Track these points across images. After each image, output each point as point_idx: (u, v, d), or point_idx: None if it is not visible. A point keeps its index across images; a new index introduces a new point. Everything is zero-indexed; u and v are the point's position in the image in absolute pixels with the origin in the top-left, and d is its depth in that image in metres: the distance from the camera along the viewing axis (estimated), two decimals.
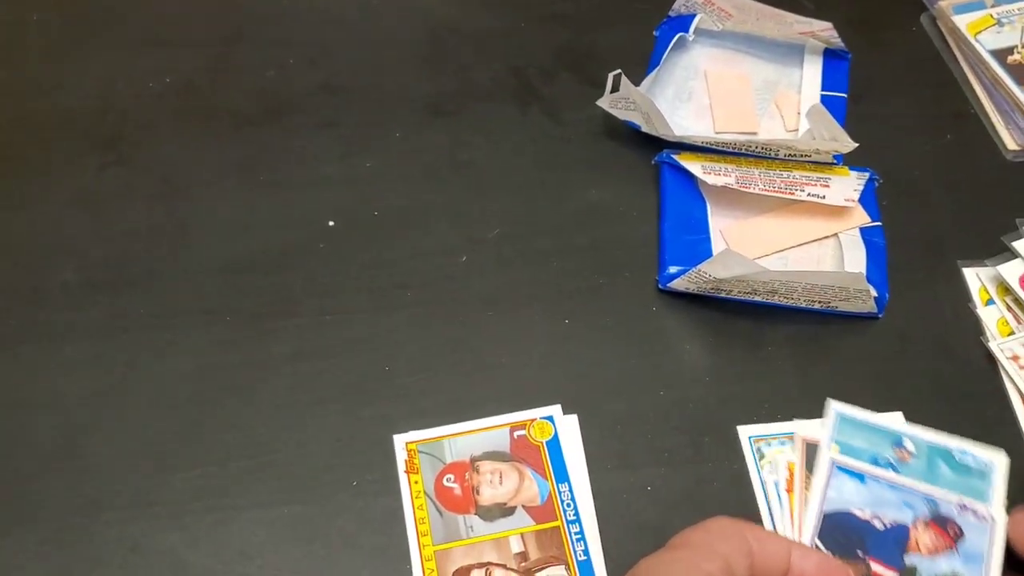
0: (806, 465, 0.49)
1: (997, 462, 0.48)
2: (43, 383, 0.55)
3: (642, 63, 0.68)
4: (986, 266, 0.58)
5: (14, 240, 0.61)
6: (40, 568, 0.49)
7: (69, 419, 0.54)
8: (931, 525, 0.47)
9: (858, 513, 0.47)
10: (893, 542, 0.46)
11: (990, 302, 0.57)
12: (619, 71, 0.61)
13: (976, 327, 0.56)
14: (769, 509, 0.49)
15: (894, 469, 0.48)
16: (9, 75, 0.69)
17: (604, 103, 0.63)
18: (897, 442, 0.49)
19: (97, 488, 0.51)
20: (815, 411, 0.52)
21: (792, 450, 0.51)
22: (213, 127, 0.67)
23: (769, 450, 0.51)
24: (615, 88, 0.62)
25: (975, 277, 0.58)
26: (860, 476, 0.48)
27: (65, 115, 0.67)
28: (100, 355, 0.56)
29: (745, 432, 0.52)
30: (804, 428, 0.51)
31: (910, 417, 0.52)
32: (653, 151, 0.63)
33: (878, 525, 0.47)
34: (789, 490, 0.49)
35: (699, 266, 0.54)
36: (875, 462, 0.49)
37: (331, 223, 0.61)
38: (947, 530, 0.47)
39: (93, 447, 0.52)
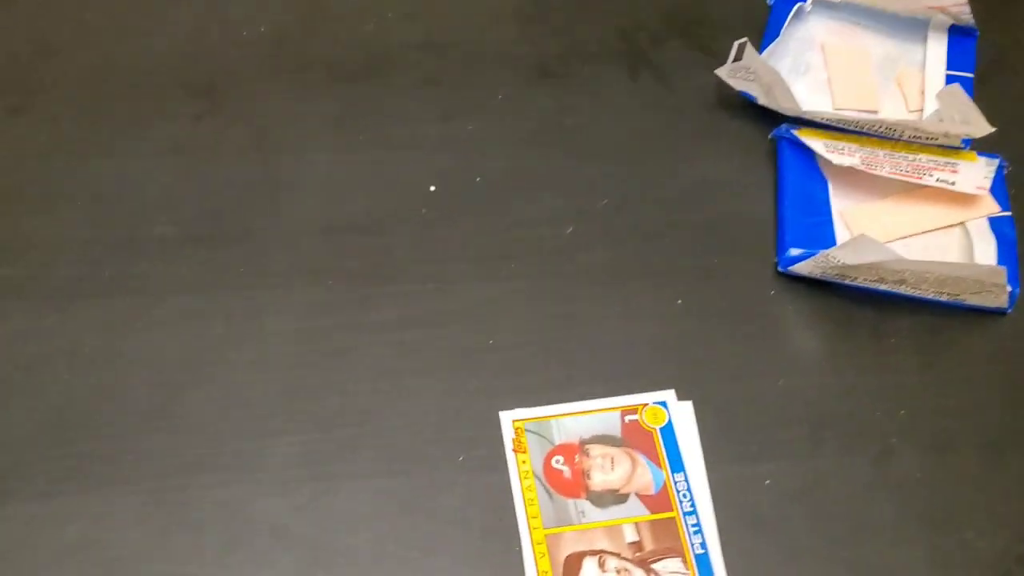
0: None
1: None
2: (139, 337, 0.53)
3: (753, 32, 0.65)
4: None
5: (107, 188, 0.59)
6: (138, 530, 0.48)
7: (166, 376, 0.52)
8: None
9: None
10: None
11: None
12: (745, 40, 0.59)
13: None
14: None
15: None
16: (100, 19, 0.67)
17: (723, 72, 0.60)
18: None
19: (196, 449, 0.50)
20: (941, 409, 0.49)
21: None
22: (308, 80, 0.64)
23: None
24: (738, 57, 0.59)
25: None
26: None
27: (157, 61, 0.65)
28: (197, 312, 0.54)
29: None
30: None
31: None
32: (768, 125, 0.61)
33: None
34: None
35: (828, 251, 0.51)
36: None
37: (432, 188, 0.59)
38: None
39: (191, 407, 0.51)
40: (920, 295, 0.54)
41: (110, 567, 0.47)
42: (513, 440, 0.49)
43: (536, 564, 0.46)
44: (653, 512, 0.47)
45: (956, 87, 0.56)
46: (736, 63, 0.59)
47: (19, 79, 0.64)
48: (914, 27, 0.65)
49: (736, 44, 0.59)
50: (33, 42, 0.66)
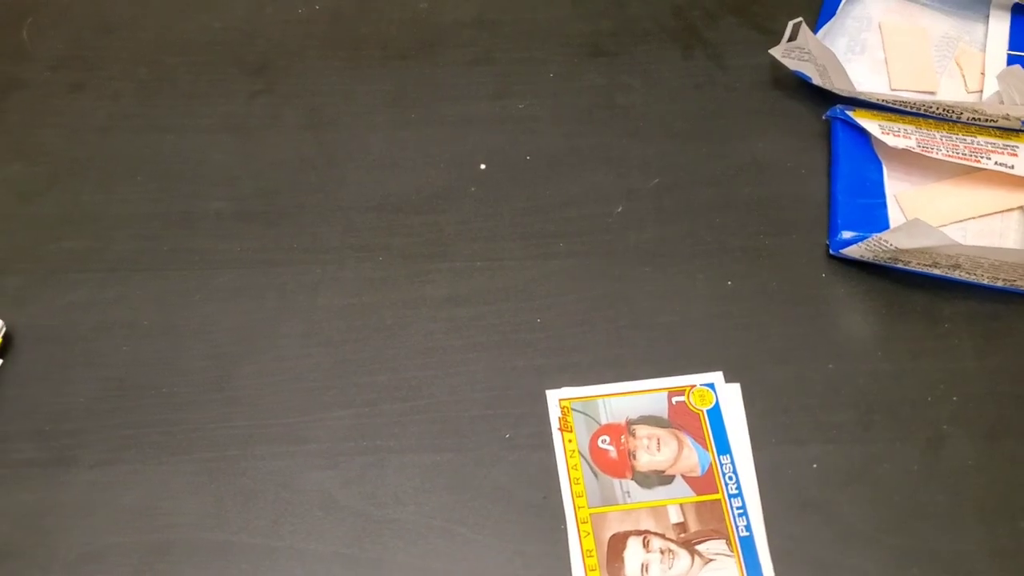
0: None
1: None
2: (194, 310, 0.55)
3: (808, 10, 0.64)
4: None
5: (163, 163, 0.60)
6: (193, 499, 0.49)
7: (220, 349, 0.53)
8: None
9: None
10: None
11: None
12: (800, 19, 0.58)
13: None
14: None
15: None
16: None
17: (777, 52, 0.60)
18: None
19: (249, 421, 0.51)
20: (995, 395, 0.49)
21: None
22: (362, 58, 0.65)
23: None
24: (792, 37, 0.58)
25: None
26: None
27: (213, 38, 0.66)
28: (251, 286, 0.55)
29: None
30: None
31: None
32: (823, 105, 0.60)
33: None
34: None
35: (880, 234, 0.51)
36: None
37: (483, 166, 0.59)
38: None
39: (245, 379, 0.52)
40: (975, 280, 0.53)
41: (166, 533, 0.48)
42: (560, 419, 0.50)
43: (580, 543, 0.46)
44: (699, 494, 0.47)
45: (1017, 68, 0.55)
46: (791, 43, 0.59)
47: (81, 56, 0.65)
48: (975, 5, 0.64)
49: (791, 24, 0.58)
50: (94, 20, 0.67)
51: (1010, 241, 0.54)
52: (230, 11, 0.68)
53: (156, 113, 0.62)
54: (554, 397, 0.51)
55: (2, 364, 0.53)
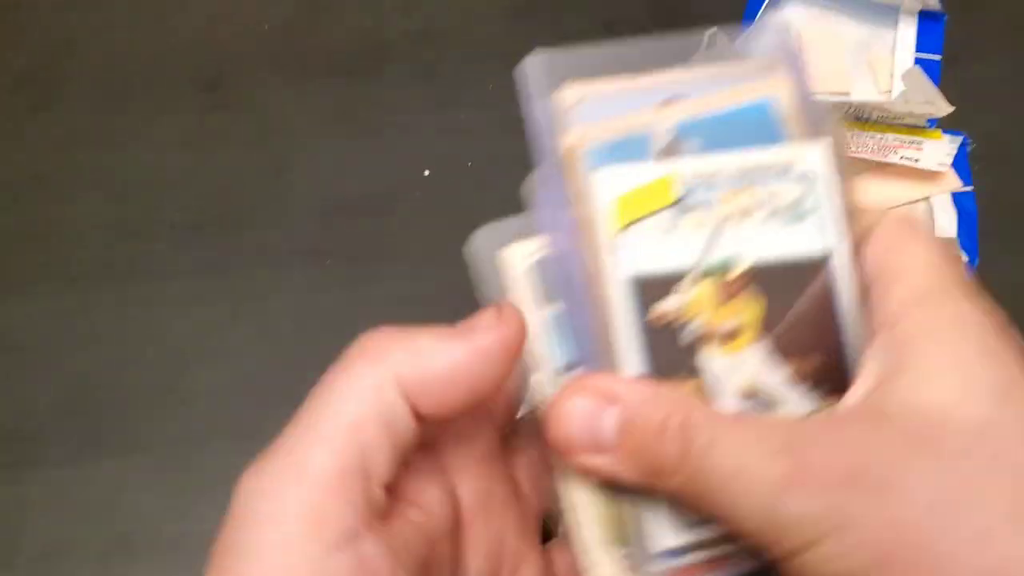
0: None
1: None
2: (150, 319, 0.58)
3: (738, 21, 0.68)
4: None
5: (121, 177, 0.63)
6: (155, 491, 0.52)
7: (176, 353, 0.56)
8: None
9: None
10: None
11: None
12: (715, 29, 0.62)
13: None
14: None
15: None
16: (111, 10, 0.71)
17: (696, 61, 0.63)
18: None
19: (204, 420, 0.54)
20: None
21: None
22: (311, 72, 0.68)
23: None
24: (710, 46, 0.62)
25: None
26: None
27: (168, 56, 0.69)
28: (205, 293, 0.58)
29: None
30: None
31: None
32: None
33: None
34: None
35: None
36: None
37: (427, 172, 0.63)
38: None
39: (200, 380, 0.55)
40: None
41: (131, 526, 0.51)
42: None
43: None
44: None
45: (916, 69, 0.59)
46: (709, 51, 0.62)
47: (39, 78, 0.68)
48: (886, 12, 0.68)
49: (707, 34, 0.62)
50: (51, 42, 0.70)
51: None
52: (184, 30, 0.71)
53: (114, 128, 0.65)
54: None
55: None
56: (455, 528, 0.33)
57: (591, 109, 0.36)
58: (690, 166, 0.34)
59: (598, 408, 0.30)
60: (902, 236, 0.31)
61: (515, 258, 0.37)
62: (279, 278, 0.59)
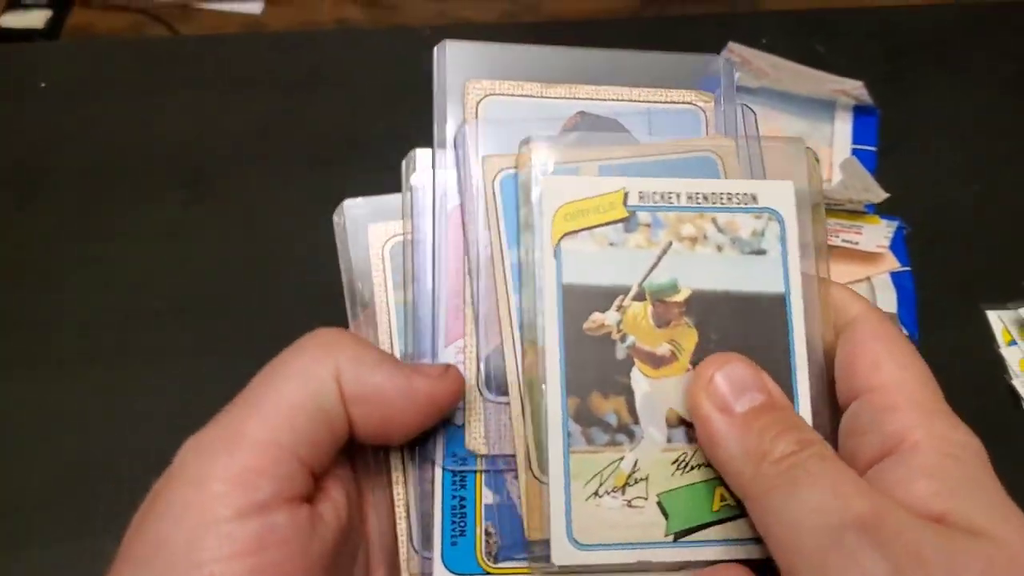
0: None
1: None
2: (138, 397, 0.60)
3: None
4: (1008, 309, 0.63)
5: (106, 266, 0.66)
6: None
7: (164, 431, 0.57)
8: None
9: None
10: None
11: (1012, 343, 0.62)
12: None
13: (999, 365, 0.61)
14: None
15: None
16: (103, 111, 0.75)
17: None
18: None
19: None
20: None
21: None
22: (287, 165, 0.72)
23: None
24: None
25: (998, 320, 0.63)
26: None
27: (151, 152, 0.72)
28: (189, 374, 0.60)
29: None
30: None
31: None
32: None
33: None
34: None
35: None
36: None
37: None
38: None
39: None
40: None
41: None
42: None
43: None
44: None
45: (853, 159, 0.64)
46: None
47: (24, 175, 0.71)
48: (823, 108, 0.74)
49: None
50: (38, 139, 0.73)
51: None
52: (166, 128, 0.74)
53: (99, 222, 0.68)
54: None
55: None
56: (362, 530, 0.34)
57: (497, 105, 0.37)
58: (644, 184, 0.33)
59: (754, 381, 0.31)
60: (888, 340, 0.32)
61: (379, 236, 0.37)
62: (261, 359, 0.61)
